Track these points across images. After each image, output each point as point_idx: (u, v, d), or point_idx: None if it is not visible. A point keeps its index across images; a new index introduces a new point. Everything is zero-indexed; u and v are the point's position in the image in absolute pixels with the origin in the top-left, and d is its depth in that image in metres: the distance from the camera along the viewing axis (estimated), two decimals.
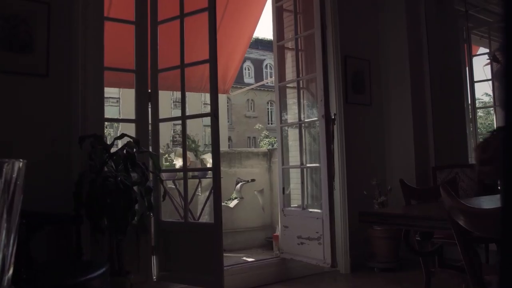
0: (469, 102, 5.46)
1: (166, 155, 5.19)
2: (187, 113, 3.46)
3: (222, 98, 19.13)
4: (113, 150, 2.80)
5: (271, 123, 30.36)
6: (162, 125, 3.32)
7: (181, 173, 3.69)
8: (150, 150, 3.16)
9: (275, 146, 8.92)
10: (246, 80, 32.92)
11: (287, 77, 4.28)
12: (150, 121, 3.27)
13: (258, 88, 31.00)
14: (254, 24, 5.46)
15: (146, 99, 3.25)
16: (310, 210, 3.79)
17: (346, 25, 4.22)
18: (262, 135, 27.36)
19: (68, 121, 2.82)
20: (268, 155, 5.57)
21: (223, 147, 18.12)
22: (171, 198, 4.21)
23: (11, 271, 0.40)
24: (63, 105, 2.82)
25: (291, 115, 4.31)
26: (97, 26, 2.98)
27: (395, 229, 3.74)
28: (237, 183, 5.31)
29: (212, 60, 3.07)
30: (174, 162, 4.94)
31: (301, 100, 4.02)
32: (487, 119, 19.57)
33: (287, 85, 4.30)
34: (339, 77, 4.13)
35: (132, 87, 3.28)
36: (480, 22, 5.49)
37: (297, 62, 4.04)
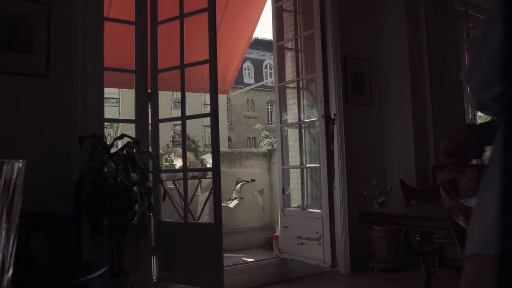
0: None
1: (166, 156, 5.19)
2: (187, 114, 3.46)
3: (222, 98, 19.13)
4: (113, 150, 2.80)
5: (271, 123, 30.35)
6: (162, 126, 3.32)
7: (181, 174, 3.69)
8: (150, 150, 3.16)
9: (275, 146, 8.93)
10: (246, 80, 32.92)
11: (287, 77, 4.28)
12: (150, 122, 3.27)
13: (258, 89, 31.00)
14: (254, 24, 5.46)
15: (146, 100, 3.25)
16: (310, 210, 3.79)
17: (346, 25, 4.22)
18: (262, 135, 27.35)
19: (68, 121, 2.82)
20: (268, 155, 5.57)
21: (223, 147, 18.11)
22: (171, 199, 4.21)
23: (10, 272, 0.40)
24: (63, 105, 2.82)
25: (291, 115, 4.31)
26: (97, 26, 2.98)
27: (395, 229, 3.74)
28: (237, 183, 5.31)
29: (212, 60, 3.07)
30: (174, 163, 4.94)
31: (301, 100, 4.02)
32: (487, 119, 19.54)
33: (287, 85, 4.30)
34: (339, 77, 4.13)
35: (132, 88, 3.28)
36: (480, 22, 5.49)
37: (297, 62, 4.04)
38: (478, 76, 0.81)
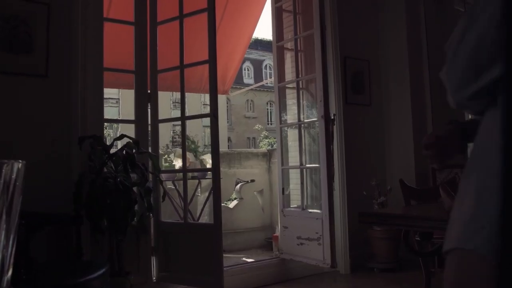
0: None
1: (166, 156, 5.20)
2: (187, 114, 3.46)
3: (221, 98, 19.12)
4: (112, 150, 2.80)
5: (271, 124, 30.35)
6: (161, 126, 3.33)
7: (181, 174, 3.69)
8: (150, 150, 3.16)
9: (274, 146, 8.92)
10: (246, 80, 32.93)
11: (286, 77, 4.28)
12: (149, 122, 3.27)
13: (258, 89, 31.00)
14: (253, 24, 5.46)
15: (145, 100, 3.25)
16: (310, 210, 3.79)
17: (346, 26, 4.22)
18: (262, 135, 27.33)
19: (68, 122, 2.82)
20: (267, 156, 5.57)
21: (223, 147, 18.10)
22: (170, 199, 4.22)
23: (10, 272, 0.40)
24: (63, 105, 2.82)
25: (291, 116, 4.31)
26: (97, 26, 2.98)
27: (395, 229, 3.74)
28: (236, 184, 5.31)
29: (212, 60, 3.07)
30: (173, 163, 4.95)
31: (301, 101, 4.02)
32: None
33: (287, 86, 4.30)
34: (339, 77, 4.13)
35: (131, 88, 3.28)
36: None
37: (297, 63, 4.04)
38: (454, 76, 0.82)
